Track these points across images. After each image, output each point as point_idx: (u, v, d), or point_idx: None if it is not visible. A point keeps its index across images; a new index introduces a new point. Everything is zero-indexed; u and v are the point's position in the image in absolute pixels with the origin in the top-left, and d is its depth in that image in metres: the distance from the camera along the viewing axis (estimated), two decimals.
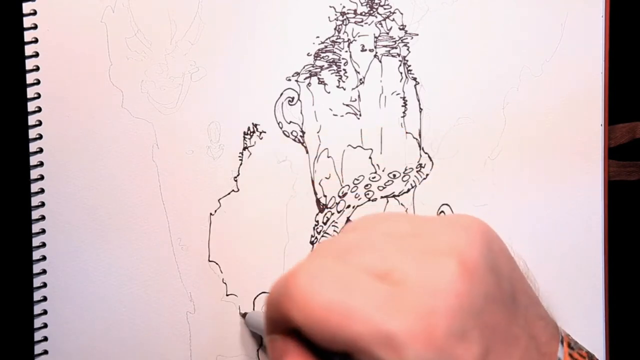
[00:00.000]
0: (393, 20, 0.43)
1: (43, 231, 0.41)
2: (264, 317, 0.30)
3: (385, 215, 0.29)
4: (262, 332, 0.41)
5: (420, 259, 0.24)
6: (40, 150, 0.41)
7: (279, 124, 0.42)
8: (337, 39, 0.42)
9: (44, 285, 0.41)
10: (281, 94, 0.42)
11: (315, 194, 0.43)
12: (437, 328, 0.23)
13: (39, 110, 0.40)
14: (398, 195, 0.43)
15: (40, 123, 0.40)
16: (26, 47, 0.40)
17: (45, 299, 0.41)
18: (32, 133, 0.40)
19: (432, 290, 0.23)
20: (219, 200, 0.42)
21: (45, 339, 0.41)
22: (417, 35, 0.43)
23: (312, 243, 0.43)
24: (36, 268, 0.41)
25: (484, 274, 0.24)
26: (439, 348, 0.22)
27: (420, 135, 0.43)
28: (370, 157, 0.43)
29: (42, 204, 0.41)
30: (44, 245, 0.41)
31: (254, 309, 0.43)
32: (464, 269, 0.24)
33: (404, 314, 0.23)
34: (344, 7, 0.42)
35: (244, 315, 0.43)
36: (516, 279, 0.26)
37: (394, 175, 0.43)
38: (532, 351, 0.25)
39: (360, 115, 0.43)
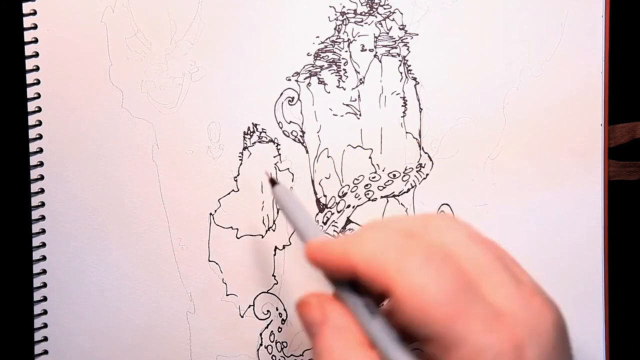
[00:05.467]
0: (393, 20, 0.43)
1: (43, 231, 0.41)
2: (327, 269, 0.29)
3: (503, 251, 0.30)
4: (284, 208, 0.34)
5: (528, 300, 0.26)
6: (40, 150, 0.41)
7: (279, 124, 0.42)
8: (337, 38, 0.42)
9: (44, 285, 0.41)
10: (281, 94, 0.42)
11: (315, 193, 0.43)
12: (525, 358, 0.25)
13: (39, 110, 0.40)
14: (398, 195, 0.43)
15: (40, 123, 0.40)
16: (26, 47, 0.40)
17: (45, 299, 0.41)
18: (32, 133, 0.40)
19: (533, 329, 0.25)
20: (219, 200, 0.42)
21: (45, 339, 0.41)
22: (417, 35, 0.43)
23: None
24: (36, 268, 0.41)
25: (565, 350, 0.26)
26: None
27: (420, 135, 0.43)
28: (370, 157, 0.43)
29: (42, 204, 0.41)
30: (44, 245, 0.41)
31: (254, 310, 0.43)
32: (560, 327, 0.26)
33: (502, 336, 0.25)
34: (344, 7, 0.42)
35: (272, 181, 0.35)
36: None
37: (394, 175, 0.43)
38: None
39: (360, 115, 0.43)
